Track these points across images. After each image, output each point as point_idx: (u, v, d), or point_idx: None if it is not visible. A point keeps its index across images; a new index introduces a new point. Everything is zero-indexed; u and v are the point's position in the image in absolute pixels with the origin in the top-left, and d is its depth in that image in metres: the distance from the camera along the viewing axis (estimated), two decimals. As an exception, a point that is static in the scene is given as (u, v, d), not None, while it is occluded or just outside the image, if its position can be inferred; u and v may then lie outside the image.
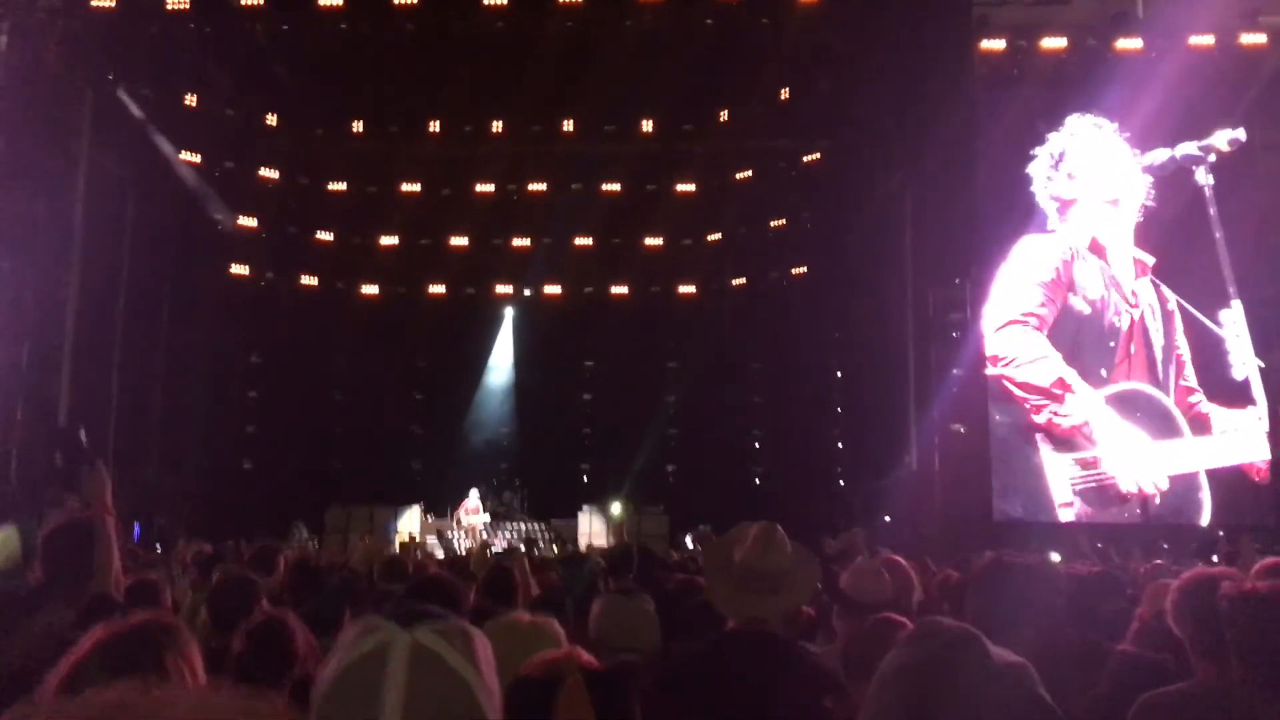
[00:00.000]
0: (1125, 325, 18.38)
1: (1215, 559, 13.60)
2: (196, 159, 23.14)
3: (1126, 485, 17.83)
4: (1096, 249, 18.53)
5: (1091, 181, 18.75)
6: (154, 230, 21.52)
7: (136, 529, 18.43)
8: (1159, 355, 18.34)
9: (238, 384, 24.74)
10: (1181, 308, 18.40)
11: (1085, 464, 17.84)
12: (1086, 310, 18.35)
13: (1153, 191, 18.63)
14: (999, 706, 1.27)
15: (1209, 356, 18.37)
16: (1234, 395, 18.25)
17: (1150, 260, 18.44)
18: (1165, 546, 16.12)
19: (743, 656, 2.96)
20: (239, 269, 24.78)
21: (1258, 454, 18.04)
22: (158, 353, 21.91)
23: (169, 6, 20.09)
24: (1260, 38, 18.86)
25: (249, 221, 24.81)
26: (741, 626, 3.05)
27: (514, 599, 4.63)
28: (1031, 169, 18.93)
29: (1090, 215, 18.69)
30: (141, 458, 20.72)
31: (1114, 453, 17.90)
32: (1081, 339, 18.33)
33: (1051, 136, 18.98)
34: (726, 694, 2.81)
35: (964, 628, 1.43)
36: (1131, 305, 18.45)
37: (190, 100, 22.63)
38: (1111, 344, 18.32)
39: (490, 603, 4.58)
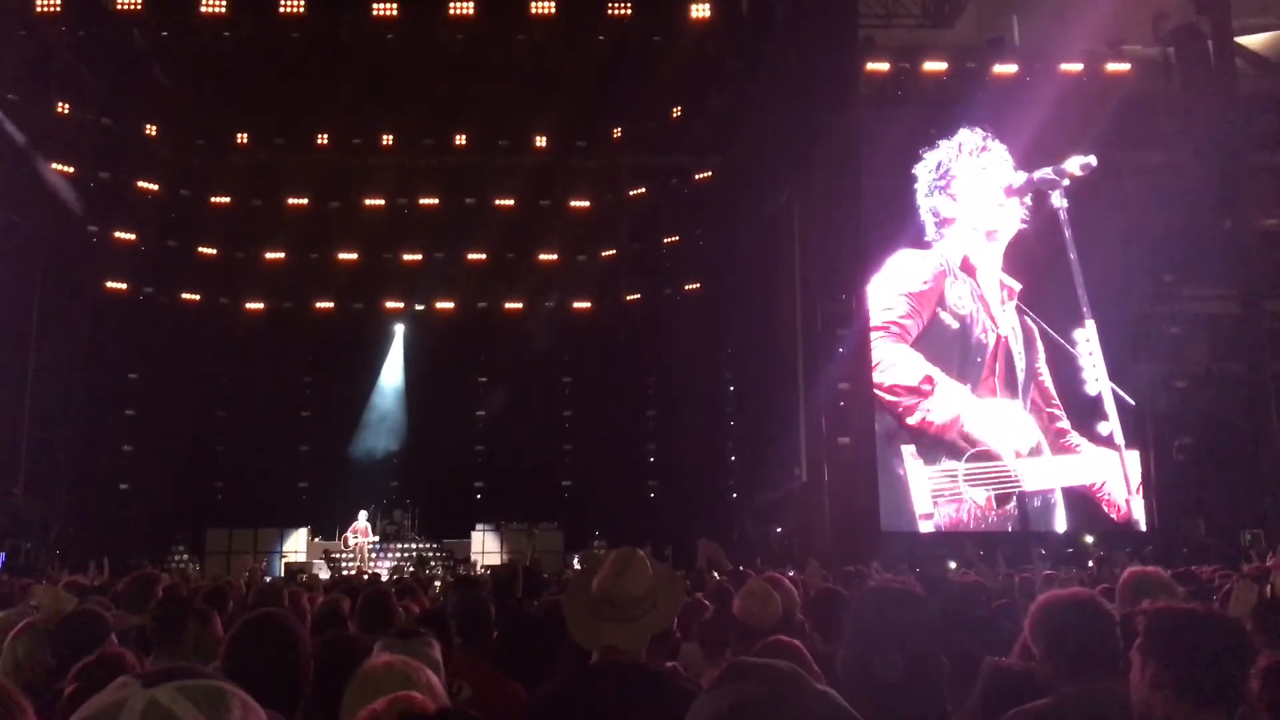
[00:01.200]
0: (991, 343, 19.02)
1: (1090, 565, 14.15)
2: (69, 169, 22.18)
3: (993, 489, 18.40)
4: (968, 268, 19.16)
5: (973, 207, 19.37)
6: (22, 242, 20.55)
7: (0, 556, 17.53)
8: (1020, 377, 19.01)
9: (114, 402, 23.74)
10: (1044, 334, 19.11)
11: (951, 473, 18.35)
12: (955, 325, 18.95)
13: (1027, 217, 19.35)
14: None
15: (1066, 374, 19.11)
16: (1087, 411, 19.03)
17: (1017, 286, 19.13)
18: (1042, 553, 16.68)
19: (605, 691, 2.86)
20: (115, 284, 23.83)
21: (1111, 474, 18.83)
22: (26, 368, 20.89)
23: (38, 9, 19.29)
24: (1124, 66, 19.81)
25: (127, 235, 23.88)
26: (604, 657, 2.95)
27: (390, 624, 4.54)
28: (917, 170, 19.40)
29: (966, 236, 19.31)
30: (7, 478, 19.73)
31: (985, 448, 18.45)
32: (949, 352, 18.91)
33: (943, 144, 19.48)
34: None
35: (775, 663, 1.41)
36: (996, 326, 19.11)
37: (62, 108, 21.73)
38: (979, 359, 18.96)
39: (365, 629, 4.49)
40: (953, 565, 12.97)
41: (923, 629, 2.55)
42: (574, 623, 3.04)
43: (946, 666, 2.58)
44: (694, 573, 8.69)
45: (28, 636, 3.69)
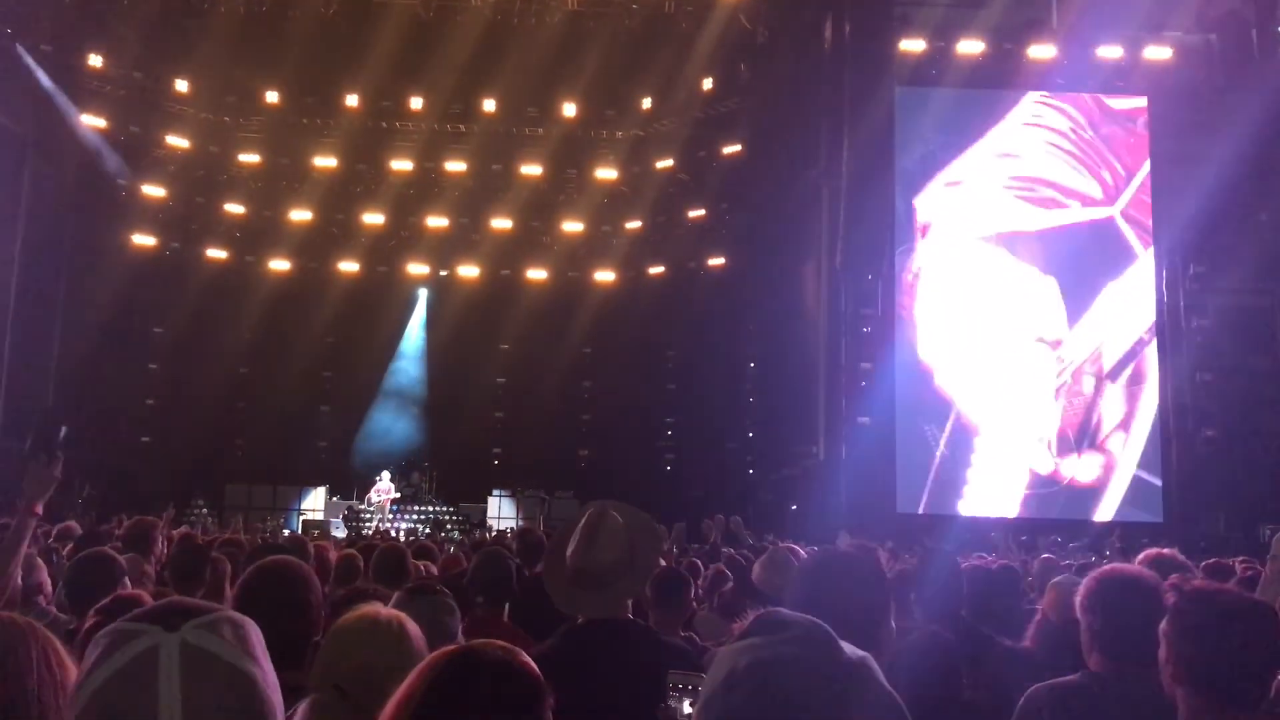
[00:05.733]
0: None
1: (1108, 554, 14.06)
2: (101, 122, 22.25)
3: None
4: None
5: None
6: (53, 193, 20.68)
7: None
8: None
9: (138, 356, 23.93)
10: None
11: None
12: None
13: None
14: (853, 702, 1.22)
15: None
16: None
17: None
18: (1058, 540, 16.60)
19: (596, 648, 2.88)
20: (143, 238, 23.95)
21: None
22: (53, 320, 21.08)
23: (74, -39, 19.34)
24: (1165, 51, 19.47)
25: (155, 190, 23.98)
26: (589, 620, 2.97)
27: (403, 580, 4.61)
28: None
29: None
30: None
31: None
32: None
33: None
34: (574, 690, 2.71)
35: (810, 620, 1.32)
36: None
37: (95, 61, 21.78)
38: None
39: (379, 584, 4.55)
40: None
41: (860, 598, 2.35)
42: (553, 591, 3.04)
43: (891, 634, 2.38)
44: (710, 547, 8.73)
45: None
